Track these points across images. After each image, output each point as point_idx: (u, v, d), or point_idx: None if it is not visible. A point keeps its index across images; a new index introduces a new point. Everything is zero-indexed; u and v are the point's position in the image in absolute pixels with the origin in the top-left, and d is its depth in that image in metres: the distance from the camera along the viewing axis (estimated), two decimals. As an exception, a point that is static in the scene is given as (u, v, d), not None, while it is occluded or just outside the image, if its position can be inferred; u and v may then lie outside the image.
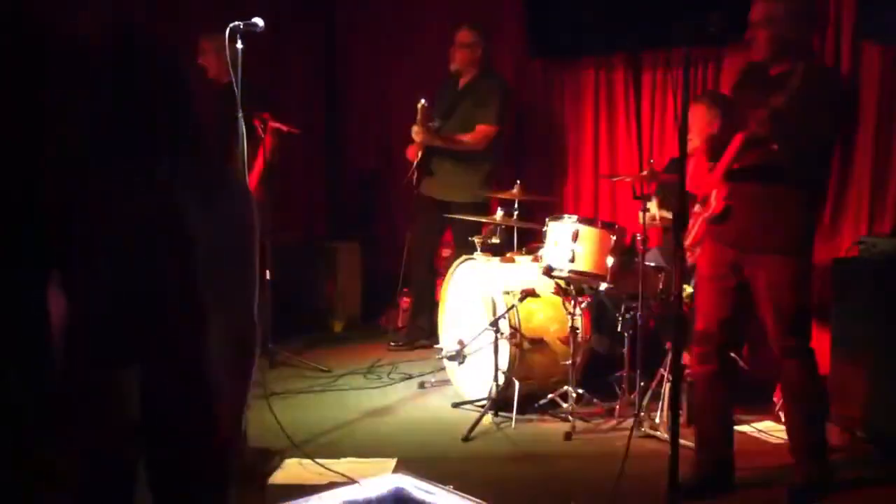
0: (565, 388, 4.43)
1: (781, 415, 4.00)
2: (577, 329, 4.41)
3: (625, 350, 4.46)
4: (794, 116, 3.13)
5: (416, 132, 5.53)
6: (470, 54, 5.60)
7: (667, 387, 4.22)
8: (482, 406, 4.47)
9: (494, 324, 4.41)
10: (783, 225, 3.35)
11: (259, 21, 3.82)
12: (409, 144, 5.70)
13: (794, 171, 3.30)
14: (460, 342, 4.76)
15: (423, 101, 5.47)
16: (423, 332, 5.80)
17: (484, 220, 5.00)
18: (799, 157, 3.26)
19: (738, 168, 3.33)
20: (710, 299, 3.41)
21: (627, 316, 4.41)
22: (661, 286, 4.40)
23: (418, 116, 5.48)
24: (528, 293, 4.49)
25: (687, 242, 3.76)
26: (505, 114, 5.61)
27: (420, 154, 5.64)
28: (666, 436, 3.89)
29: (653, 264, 4.49)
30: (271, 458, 3.82)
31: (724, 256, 3.44)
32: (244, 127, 3.84)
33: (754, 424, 4.29)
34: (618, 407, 4.47)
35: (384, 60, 6.60)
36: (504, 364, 4.45)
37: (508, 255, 4.91)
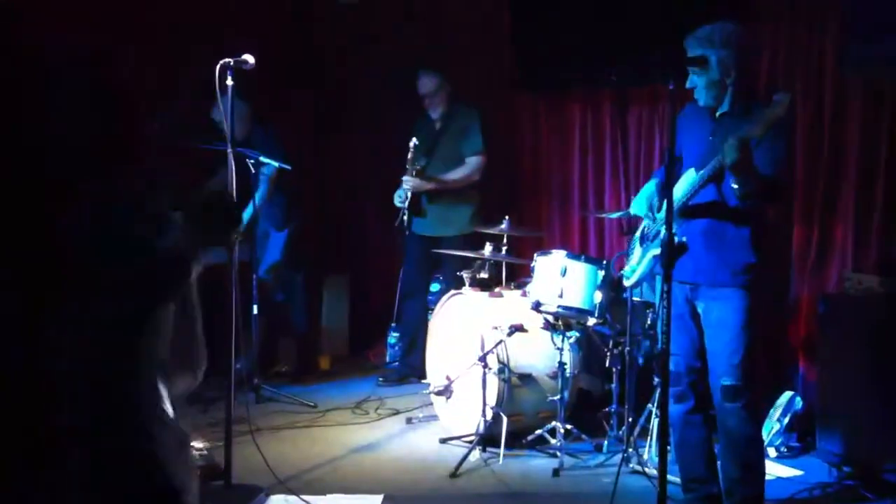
0: (553, 423, 4.42)
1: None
2: (566, 364, 4.40)
3: (613, 385, 4.46)
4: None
5: (407, 181, 5.52)
6: (443, 98, 5.67)
7: (655, 423, 4.21)
8: (470, 442, 4.44)
9: (483, 359, 4.41)
10: (732, 261, 3.34)
11: (250, 58, 3.81)
12: (395, 188, 5.67)
13: (744, 207, 3.31)
14: (448, 377, 4.74)
15: (414, 140, 5.47)
16: (415, 370, 5.70)
17: (473, 254, 5.01)
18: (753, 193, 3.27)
19: (691, 204, 3.35)
20: (676, 338, 3.37)
21: (616, 351, 4.42)
22: (649, 321, 4.41)
23: (409, 156, 5.47)
24: (517, 328, 4.49)
25: (629, 282, 3.75)
26: (486, 139, 5.65)
27: (409, 197, 5.63)
28: (654, 472, 3.87)
29: (641, 299, 4.50)
30: (256, 495, 3.78)
31: (681, 292, 3.43)
32: (234, 163, 3.85)
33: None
34: (606, 443, 4.46)
35: (377, 96, 6.60)
36: (492, 399, 4.43)
37: (497, 289, 4.92)
